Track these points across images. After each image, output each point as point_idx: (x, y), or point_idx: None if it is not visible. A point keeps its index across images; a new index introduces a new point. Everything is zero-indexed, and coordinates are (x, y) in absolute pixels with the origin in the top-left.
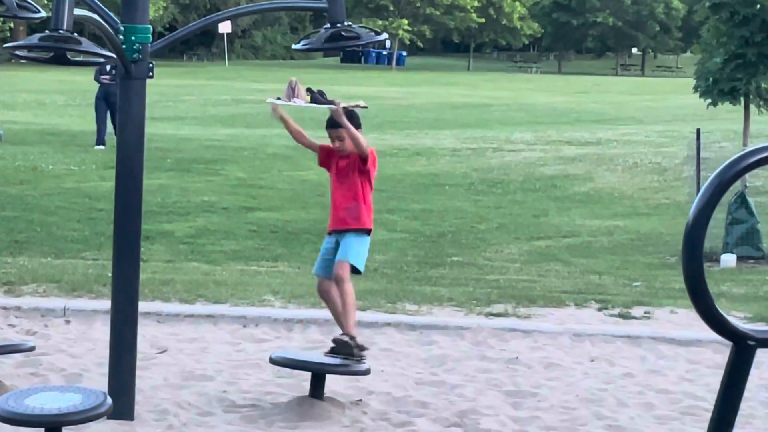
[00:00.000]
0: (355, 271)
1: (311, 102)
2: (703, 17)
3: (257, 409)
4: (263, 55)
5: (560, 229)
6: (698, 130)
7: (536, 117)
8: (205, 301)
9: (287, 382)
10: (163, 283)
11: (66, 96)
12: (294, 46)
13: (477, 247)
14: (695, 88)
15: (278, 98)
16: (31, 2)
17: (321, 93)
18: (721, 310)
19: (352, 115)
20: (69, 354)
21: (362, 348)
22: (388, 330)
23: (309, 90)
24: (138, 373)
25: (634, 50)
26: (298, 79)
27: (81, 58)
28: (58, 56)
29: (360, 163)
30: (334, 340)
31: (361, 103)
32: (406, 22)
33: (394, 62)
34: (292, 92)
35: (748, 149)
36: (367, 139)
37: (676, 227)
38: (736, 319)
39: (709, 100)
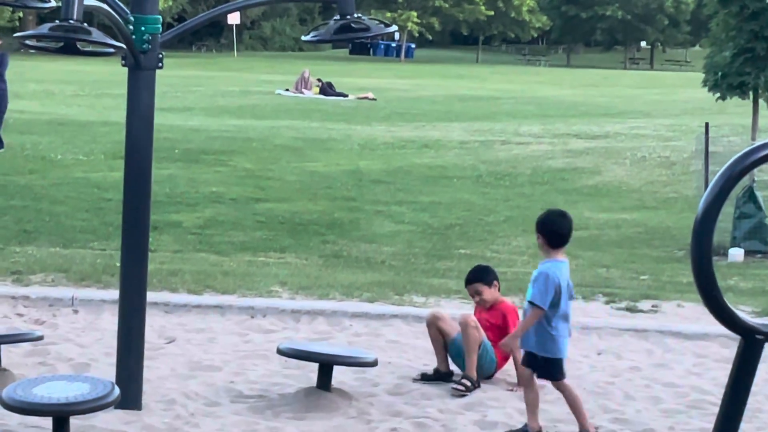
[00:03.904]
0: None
1: (320, 93)
2: (712, 11)
3: (264, 400)
4: (272, 47)
5: None
6: (707, 124)
7: (544, 110)
8: (213, 291)
9: (294, 373)
10: (171, 274)
11: (75, 86)
12: (304, 38)
13: (484, 239)
14: (704, 82)
15: (287, 89)
16: None
17: (329, 85)
18: (729, 304)
19: (487, 272)
20: (77, 343)
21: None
22: (395, 322)
23: (319, 81)
24: (145, 363)
25: (643, 44)
26: (310, 70)
27: (91, 49)
28: (68, 46)
29: None
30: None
31: (370, 95)
32: (415, 14)
33: (402, 54)
34: (302, 83)
35: (758, 144)
36: (375, 127)
37: (683, 221)
38: (744, 313)
39: (717, 94)
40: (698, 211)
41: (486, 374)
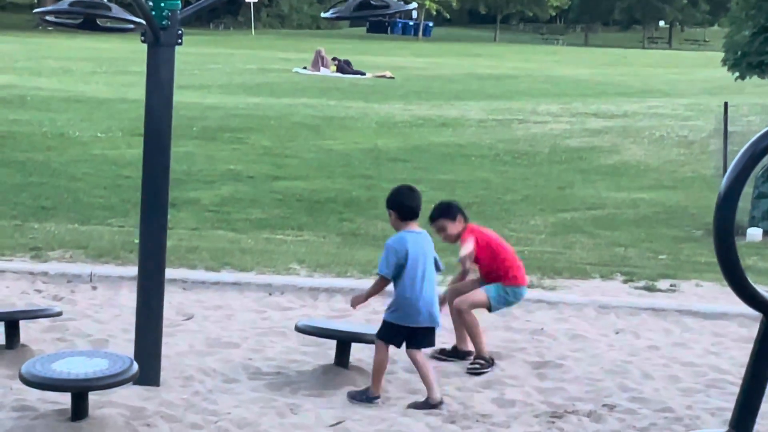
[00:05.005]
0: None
1: (337, 71)
2: None
3: (282, 377)
4: (289, 24)
5: (585, 201)
6: (726, 104)
7: (562, 89)
8: (231, 268)
9: (312, 350)
10: (189, 251)
11: (93, 63)
12: (323, 15)
13: (502, 218)
14: (724, 61)
15: (304, 67)
16: None
17: (347, 63)
18: (751, 282)
19: (449, 208)
20: (95, 320)
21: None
22: None
23: (335, 59)
24: (164, 339)
25: (661, 23)
26: (325, 49)
27: (110, 25)
28: (87, 22)
29: None
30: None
31: (388, 74)
32: None
33: (420, 33)
34: (320, 61)
35: None
36: (393, 106)
37: (701, 200)
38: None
39: (737, 74)
40: (721, 188)
41: (511, 301)
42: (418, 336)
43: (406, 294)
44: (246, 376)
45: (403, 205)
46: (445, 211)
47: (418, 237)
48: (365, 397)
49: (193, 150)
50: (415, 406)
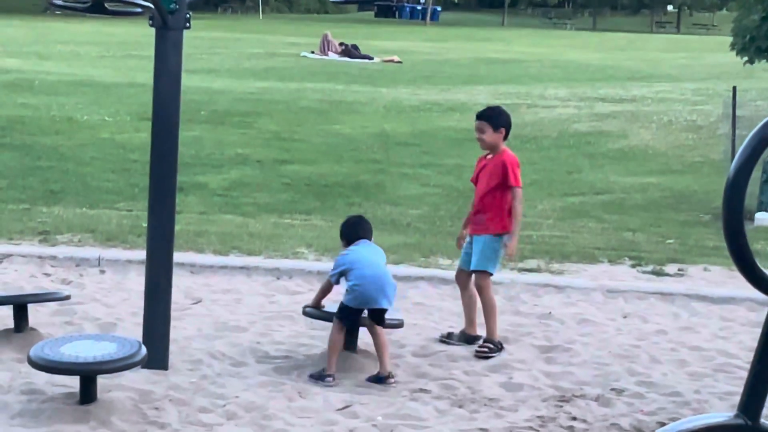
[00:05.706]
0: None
1: (344, 55)
2: None
3: (290, 361)
4: (297, 9)
5: (594, 185)
6: (734, 88)
7: (570, 73)
8: (239, 252)
9: (320, 334)
10: (198, 235)
11: (101, 47)
12: None
13: None
14: (732, 46)
15: (312, 52)
16: None
17: (355, 47)
18: (760, 266)
19: (498, 114)
20: (103, 303)
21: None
22: (421, 284)
23: (342, 44)
24: (172, 323)
25: (670, 7)
26: (333, 33)
27: (118, 9)
28: (95, 6)
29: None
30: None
31: (395, 58)
32: None
33: (428, 17)
34: (326, 46)
35: None
36: (401, 90)
37: (710, 185)
38: None
39: (745, 58)
40: (730, 171)
41: (499, 250)
42: (373, 315)
43: (358, 282)
44: (254, 360)
45: (351, 234)
46: (491, 117)
47: (366, 244)
48: (319, 375)
49: (201, 134)
50: (369, 379)
